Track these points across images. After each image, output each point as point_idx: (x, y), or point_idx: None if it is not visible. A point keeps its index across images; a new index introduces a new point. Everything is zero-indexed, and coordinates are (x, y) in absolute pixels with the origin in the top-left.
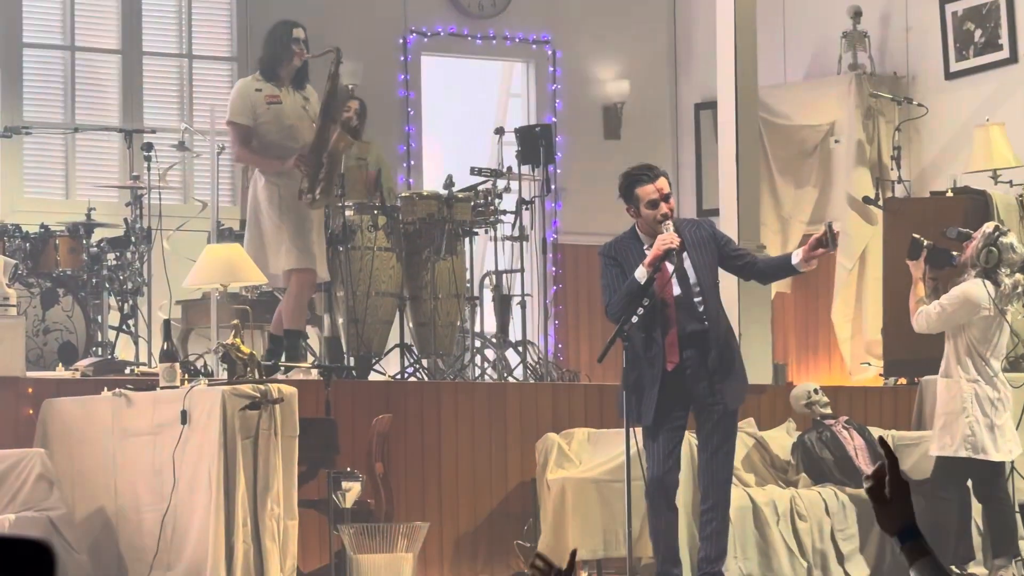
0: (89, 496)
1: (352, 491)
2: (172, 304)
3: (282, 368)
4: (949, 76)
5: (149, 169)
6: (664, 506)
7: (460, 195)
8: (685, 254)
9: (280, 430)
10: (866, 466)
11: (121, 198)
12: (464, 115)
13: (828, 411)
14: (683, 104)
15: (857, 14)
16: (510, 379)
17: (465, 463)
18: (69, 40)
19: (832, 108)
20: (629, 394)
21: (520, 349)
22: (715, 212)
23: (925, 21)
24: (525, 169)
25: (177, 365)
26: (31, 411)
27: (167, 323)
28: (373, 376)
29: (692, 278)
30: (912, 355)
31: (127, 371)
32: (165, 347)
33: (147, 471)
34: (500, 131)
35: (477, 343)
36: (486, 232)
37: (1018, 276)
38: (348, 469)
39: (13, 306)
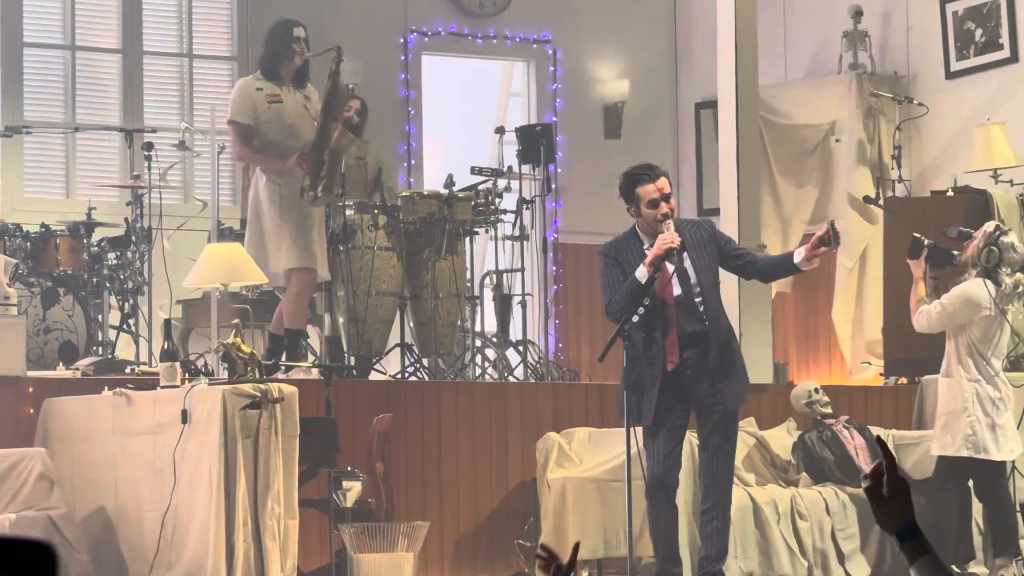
0: (90, 495)
1: (353, 490)
2: (172, 303)
3: (283, 367)
4: (950, 75)
5: (149, 168)
6: (664, 505)
7: (461, 194)
8: (685, 254)
9: (281, 429)
10: (866, 466)
11: (122, 197)
12: (465, 114)
13: (828, 410)
14: (684, 103)
15: (858, 13)
16: (511, 378)
17: (466, 462)
18: (70, 39)
19: (833, 107)
20: (629, 394)
21: (520, 348)
22: (716, 211)
23: (926, 20)
24: (525, 169)
25: (178, 364)
26: (32, 410)
27: (167, 322)
28: (374, 375)
29: (693, 278)
30: (913, 354)
31: (128, 370)
32: (166, 346)
33: (148, 470)
34: (501, 130)
35: (478, 342)
36: (487, 231)
37: (1019, 275)
38: (349, 468)
39: (14, 305)
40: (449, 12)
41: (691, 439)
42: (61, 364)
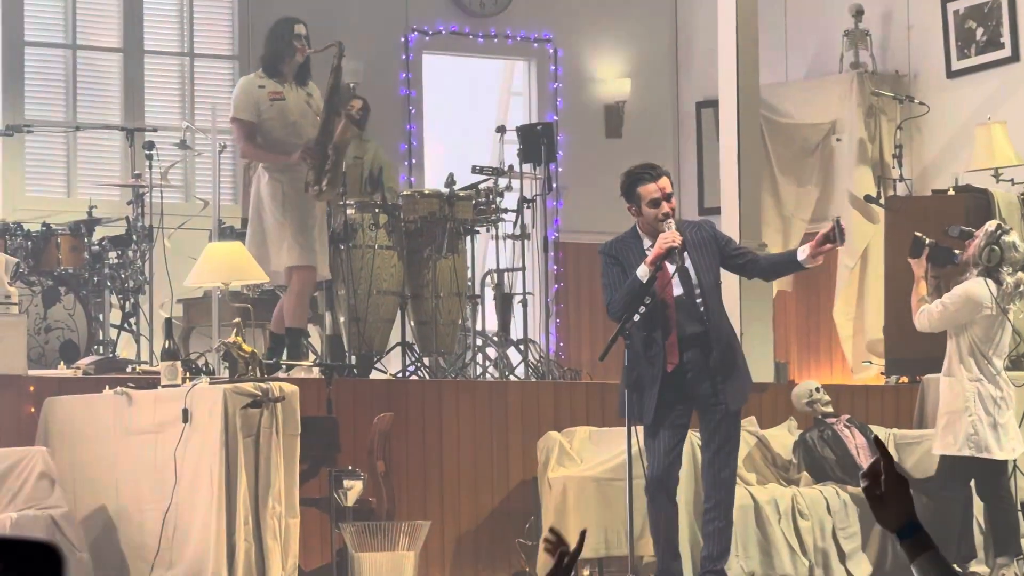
0: (91, 494)
1: (354, 489)
2: (173, 302)
3: (283, 366)
4: (951, 74)
5: (150, 167)
6: (664, 503)
7: (461, 193)
8: (686, 254)
9: (282, 428)
10: (867, 465)
11: (123, 196)
12: (466, 114)
13: (830, 409)
14: (684, 103)
15: (859, 12)
16: (511, 377)
17: (466, 461)
18: (71, 38)
19: (834, 106)
20: (630, 393)
21: (521, 348)
22: (717, 211)
23: (927, 19)
24: (526, 167)
25: (179, 363)
26: (33, 409)
27: (168, 321)
28: (374, 374)
29: (694, 279)
30: (914, 354)
31: (129, 369)
32: (167, 345)
33: (148, 469)
34: (501, 129)
35: (478, 341)
36: (487, 230)
37: (1020, 275)
38: (350, 467)
39: (15, 304)
40: (450, 11)
41: (693, 438)
42: (62, 363)
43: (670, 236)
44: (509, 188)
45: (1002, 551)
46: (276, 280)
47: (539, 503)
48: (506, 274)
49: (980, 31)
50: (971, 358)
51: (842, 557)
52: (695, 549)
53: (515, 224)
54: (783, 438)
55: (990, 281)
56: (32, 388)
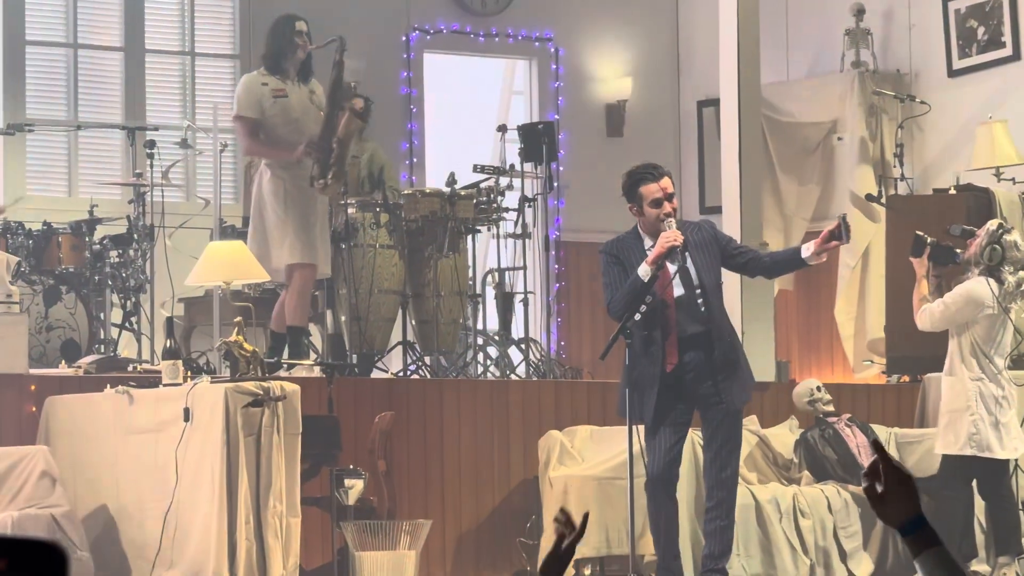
0: (92, 493)
1: (355, 488)
2: (175, 301)
3: (285, 365)
4: (952, 73)
5: (152, 166)
6: (664, 500)
7: (463, 192)
8: (688, 255)
9: (283, 427)
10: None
11: (124, 195)
12: (467, 112)
13: (831, 409)
14: (686, 102)
15: (860, 11)
16: (513, 377)
17: (468, 460)
18: (72, 37)
19: (835, 105)
20: (631, 392)
21: (522, 347)
22: (718, 210)
23: (928, 18)
24: (528, 167)
25: (180, 362)
26: (34, 408)
27: (170, 320)
28: (376, 374)
29: (695, 279)
30: (915, 352)
31: (130, 368)
32: (168, 344)
33: (150, 468)
34: (503, 128)
35: (479, 341)
36: (488, 229)
37: (1021, 274)
38: (351, 466)
39: (16, 303)
40: (451, 10)
41: (694, 437)
42: (63, 362)
43: (671, 235)
44: (510, 187)
45: (1003, 550)
46: (276, 278)
47: (540, 502)
48: (507, 273)
49: (981, 30)
50: (973, 357)
51: (843, 556)
52: (696, 548)
53: (516, 223)
54: (784, 437)
55: (991, 280)
56: (33, 387)
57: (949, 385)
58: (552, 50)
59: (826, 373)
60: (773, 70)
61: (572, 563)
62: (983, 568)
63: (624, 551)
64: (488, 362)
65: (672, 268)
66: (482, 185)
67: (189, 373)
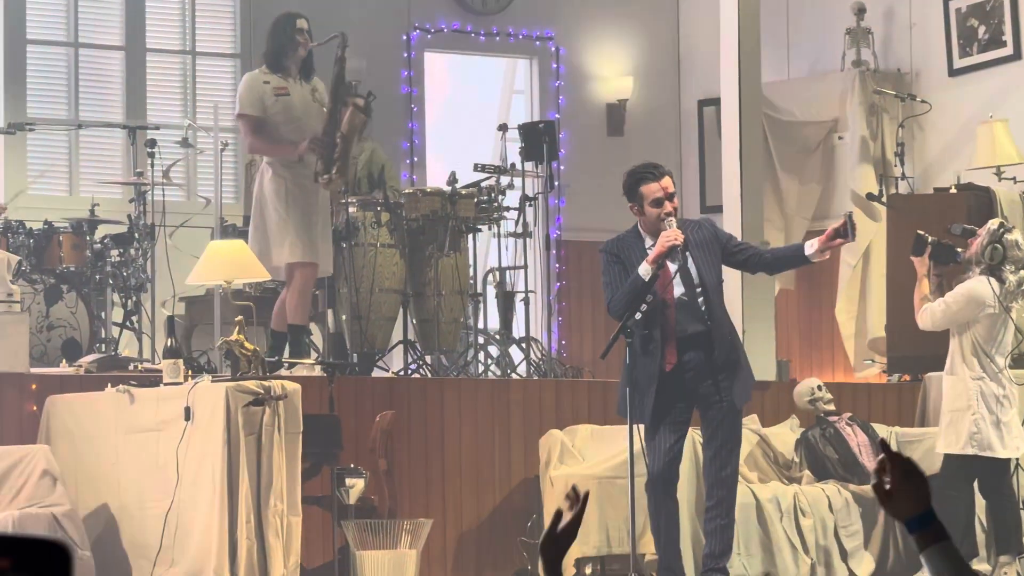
0: (93, 492)
1: (356, 488)
2: (176, 300)
3: (285, 364)
4: (953, 73)
5: (152, 165)
6: (665, 499)
7: (463, 192)
8: (688, 254)
9: (284, 426)
10: (870, 463)
11: (125, 194)
12: (467, 112)
13: (832, 408)
14: (686, 101)
15: (861, 10)
16: (513, 376)
17: (468, 460)
18: (73, 37)
19: (836, 105)
20: (631, 391)
21: (523, 346)
22: (719, 209)
23: (929, 17)
24: (528, 166)
25: (181, 361)
26: (35, 407)
27: (171, 319)
28: (376, 373)
29: (695, 278)
30: (916, 351)
31: (131, 367)
32: (169, 343)
33: (150, 467)
34: (503, 128)
35: (480, 340)
36: (489, 229)
37: (1022, 273)
38: (352, 466)
39: (17, 302)
40: (452, 9)
41: (694, 436)
42: (64, 361)
43: (672, 234)
44: (511, 186)
45: (1004, 549)
46: (276, 276)
47: (541, 501)
48: (508, 272)
49: (982, 29)
50: (974, 356)
51: (844, 555)
52: (697, 547)
53: (517, 222)
54: (785, 436)
55: (992, 279)
56: (34, 386)
57: (950, 384)
58: (553, 49)
59: (827, 372)
60: (774, 69)
61: (573, 563)
62: (984, 567)
63: (625, 550)
64: (489, 361)
65: (673, 267)
66: (483, 184)
67: (190, 372)
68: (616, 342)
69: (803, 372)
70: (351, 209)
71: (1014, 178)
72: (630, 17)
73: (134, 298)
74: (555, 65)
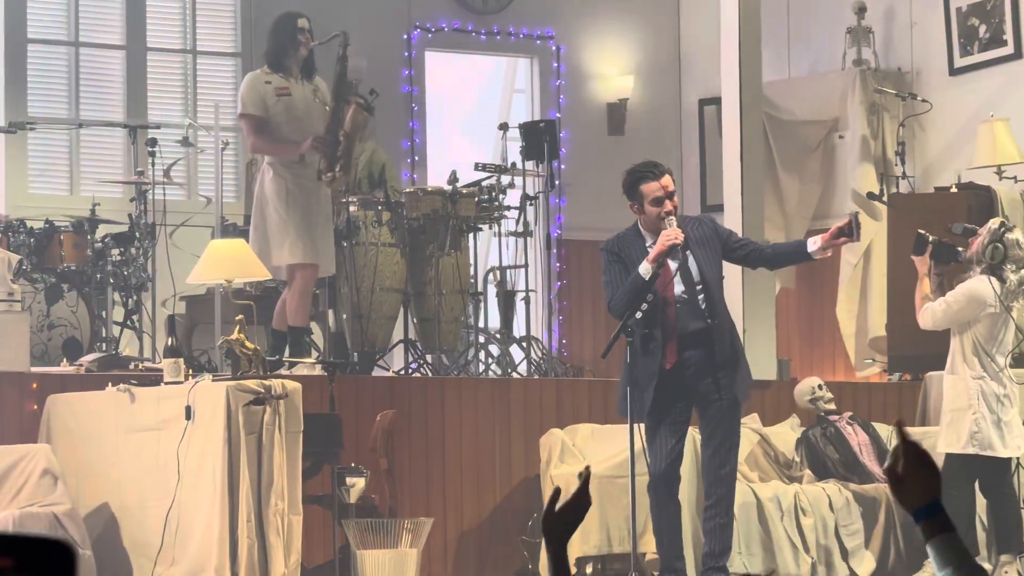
0: (93, 492)
1: (356, 487)
2: (176, 300)
3: (286, 364)
4: (953, 72)
5: (153, 165)
6: (667, 500)
7: (464, 191)
8: (689, 252)
9: (284, 426)
10: (870, 462)
11: (125, 193)
12: (468, 111)
13: (832, 407)
14: (687, 100)
15: (861, 9)
16: (514, 375)
17: (469, 459)
18: (73, 36)
19: (836, 104)
20: (632, 390)
21: (524, 345)
22: (719, 208)
23: (929, 17)
24: (529, 165)
25: (181, 361)
26: (35, 406)
27: (171, 319)
28: (377, 372)
29: (696, 276)
30: (916, 351)
31: (131, 367)
32: (169, 343)
33: (151, 467)
34: (504, 127)
35: (481, 339)
36: (490, 228)
37: (1023, 272)
38: (352, 465)
39: (18, 301)
40: (452, 8)
41: (694, 435)
42: (65, 360)
43: (672, 233)
44: (512, 185)
45: (1005, 548)
46: (277, 275)
47: (542, 500)
48: (509, 271)
49: (983, 28)
50: (974, 356)
51: (844, 554)
52: (697, 546)
53: (518, 221)
54: (786, 435)
55: (993, 279)
56: (35, 385)
57: (951, 384)
58: (553, 48)
59: (827, 371)
60: (774, 68)
61: (574, 562)
62: (985, 566)
63: (626, 549)
64: (489, 360)
65: (673, 265)
66: (483, 183)
67: (191, 371)
68: (617, 341)
69: (804, 371)
70: (352, 208)
71: (1015, 177)
72: (631, 16)
73: (135, 297)
74: (556, 64)
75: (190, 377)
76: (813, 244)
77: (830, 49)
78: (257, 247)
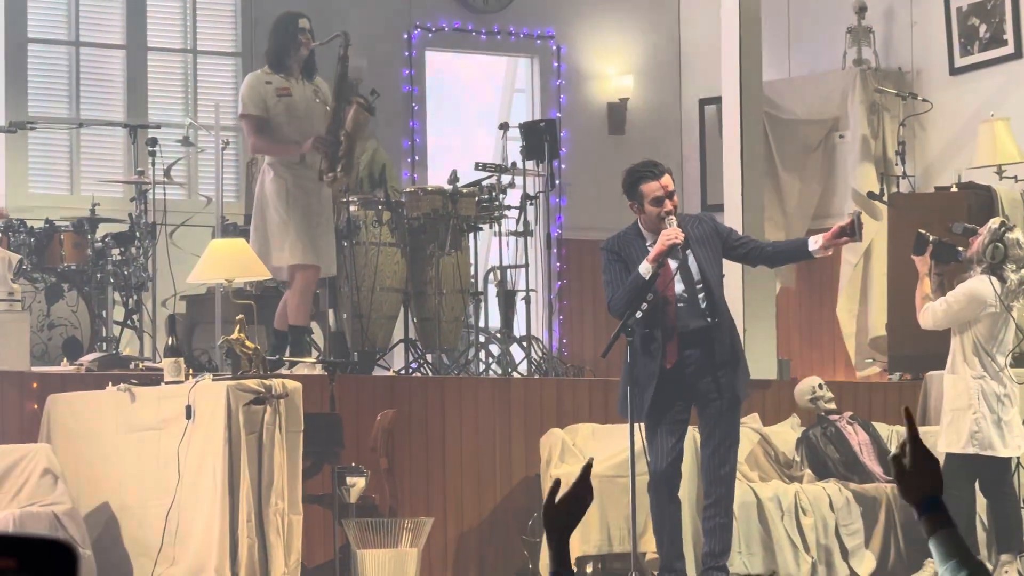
0: (94, 491)
1: (357, 486)
2: (177, 299)
3: (286, 363)
4: (954, 71)
5: (154, 164)
6: (667, 500)
7: (464, 190)
8: (689, 251)
9: (285, 425)
10: (871, 462)
11: (126, 193)
12: (468, 110)
13: (833, 406)
14: (688, 99)
15: (862, 9)
16: (514, 374)
17: (469, 458)
18: (74, 35)
19: (837, 103)
20: (632, 390)
21: (524, 344)
22: (719, 207)
23: (930, 16)
24: (529, 164)
25: (182, 360)
26: (36, 406)
27: (172, 318)
28: (377, 371)
29: (696, 274)
30: (917, 350)
31: (132, 366)
32: (170, 342)
33: (151, 466)
34: (504, 126)
35: (481, 338)
36: (490, 227)
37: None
38: (353, 464)
39: (18, 301)
40: (453, 8)
41: (694, 434)
42: (65, 360)
43: (673, 233)
44: (512, 185)
45: (1005, 548)
46: (277, 276)
47: (542, 500)
48: (509, 271)
49: (983, 28)
50: (975, 355)
51: (845, 554)
52: (697, 546)
53: (518, 221)
54: (786, 435)
55: (994, 279)
56: (35, 385)
57: (951, 383)
58: (554, 48)
59: (828, 371)
60: (775, 68)
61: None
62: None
63: (626, 549)
64: (490, 360)
65: (673, 265)
66: (484, 183)
67: (191, 371)
68: (617, 340)
69: (804, 371)
70: (352, 208)
71: (1015, 177)
72: (631, 15)
73: (135, 297)
74: (556, 64)
75: (190, 377)
76: (815, 243)
77: (830, 49)
78: (257, 247)
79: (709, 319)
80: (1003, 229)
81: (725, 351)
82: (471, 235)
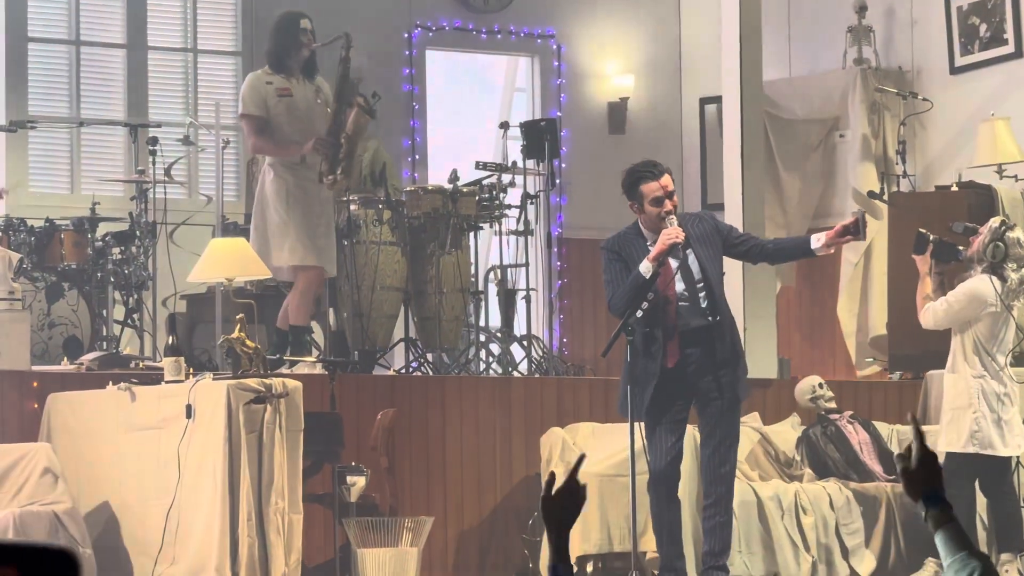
0: (94, 490)
1: (357, 486)
2: (177, 298)
3: (287, 362)
4: (954, 71)
5: (154, 163)
6: (667, 499)
7: (465, 189)
8: (690, 250)
9: (285, 424)
10: (871, 461)
11: (126, 192)
12: (469, 109)
13: (833, 405)
14: (688, 99)
15: (862, 8)
16: (515, 374)
17: (470, 457)
18: (74, 34)
19: (837, 103)
20: (632, 389)
21: (525, 344)
22: (720, 207)
23: (930, 15)
24: (530, 164)
25: (182, 359)
26: (36, 405)
27: (172, 317)
28: (378, 370)
29: (697, 273)
30: (917, 350)
31: (132, 365)
32: (170, 341)
33: (152, 465)
34: (505, 126)
35: (482, 337)
36: (491, 226)
37: None
38: (353, 463)
39: (18, 300)
40: (453, 7)
41: (694, 433)
42: (65, 359)
43: (673, 232)
44: (512, 184)
45: (1005, 547)
46: (278, 276)
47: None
48: (509, 270)
49: (983, 27)
50: (975, 355)
51: (845, 553)
52: (697, 545)
53: (518, 220)
54: (786, 434)
55: (994, 278)
56: (35, 384)
57: (951, 383)
58: (554, 47)
59: (828, 370)
60: (775, 67)
61: (575, 560)
62: None
63: (626, 548)
64: (490, 359)
65: (674, 264)
66: (484, 182)
67: (191, 370)
68: (617, 340)
69: (804, 370)
70: (352, 207)
71: (1015, 176)
72: (631, 15)
73: (135, 296)
74: (556, 63)
75: (191, 376)
76: (817, 241)
77: (830, 48)
78: (257, 247)
79: (710, 318)
80: (1003, 228)
81: (726, 350)
82: (471, 234)
